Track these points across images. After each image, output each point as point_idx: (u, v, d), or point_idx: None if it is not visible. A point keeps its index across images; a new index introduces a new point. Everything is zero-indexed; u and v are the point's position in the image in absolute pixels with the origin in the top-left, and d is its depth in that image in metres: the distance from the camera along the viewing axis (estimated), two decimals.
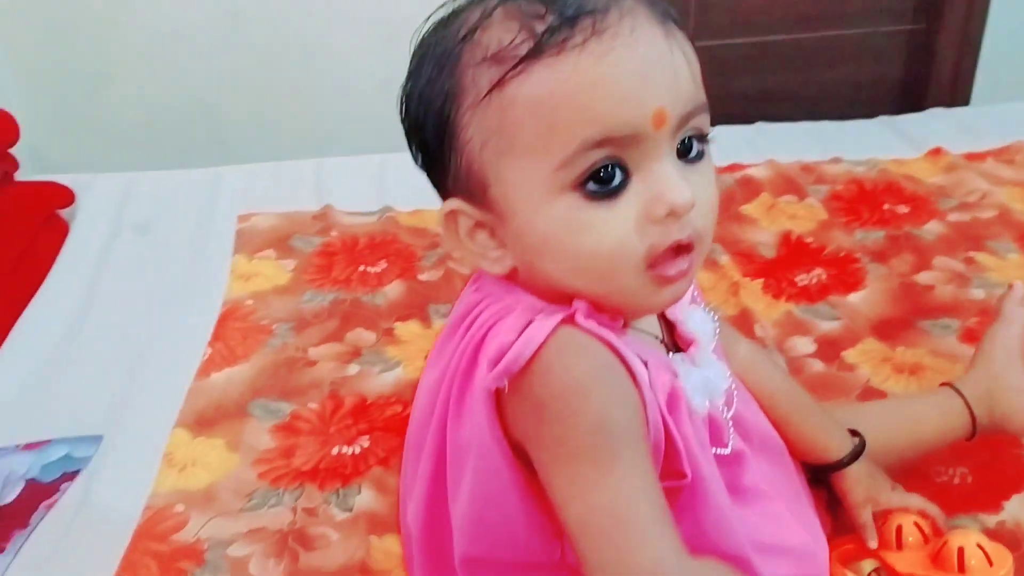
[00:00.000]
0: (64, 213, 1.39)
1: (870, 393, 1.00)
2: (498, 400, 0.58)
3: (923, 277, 1.20)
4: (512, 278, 0.61)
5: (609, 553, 0.55)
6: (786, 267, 1.24)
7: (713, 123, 0.59)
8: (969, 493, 0.86)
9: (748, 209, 1.38)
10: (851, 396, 1.00)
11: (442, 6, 0.60)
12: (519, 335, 0.56)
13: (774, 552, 0.66)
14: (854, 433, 0.79)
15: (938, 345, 1.07)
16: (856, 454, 0.77)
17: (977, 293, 1.16)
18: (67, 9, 1.88)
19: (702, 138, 0.58)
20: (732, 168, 1.48)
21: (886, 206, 1.36)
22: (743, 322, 1.12)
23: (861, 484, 0.76)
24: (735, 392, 0.71)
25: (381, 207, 1.41)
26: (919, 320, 1.12)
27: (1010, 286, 0.93)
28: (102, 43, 1.92)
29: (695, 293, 0.72)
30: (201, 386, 1.05)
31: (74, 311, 1.20)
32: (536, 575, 0.64)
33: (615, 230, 0.55)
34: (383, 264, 1.27)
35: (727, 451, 0.66)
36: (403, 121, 0.61)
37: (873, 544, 0.75)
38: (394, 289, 1.22)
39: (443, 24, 0.59)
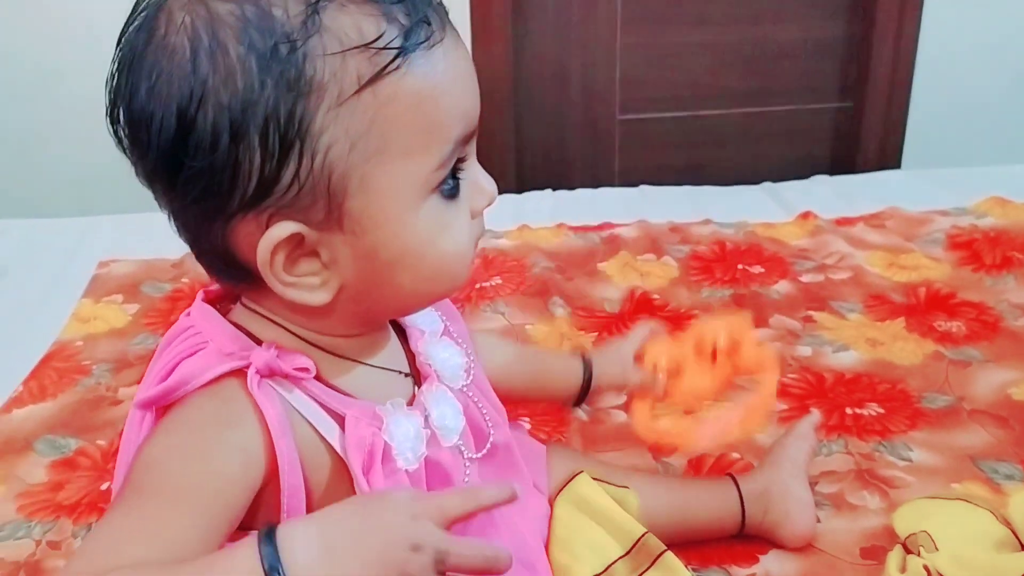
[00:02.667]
0: None
1: (658, 445, 0.98)
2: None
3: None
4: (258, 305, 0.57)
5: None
6: (624, 321, 1.23)
7: None
8: (725, 546, 0.83)
9: (604, 266, 1.37)
10: (643, 446, 0.98)
11: None
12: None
13: None
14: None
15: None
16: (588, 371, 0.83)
17: (803, 351, 1.14)
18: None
19: None
20: (602, 227, 1.49)
21: (740, 266, 1.35)
22: None
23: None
24: (490, 430, 0.67)
25: None
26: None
27: (809, 410, 0.97)
28: (34, 107, 1.98)
29: (452, 329, 0.68)
30: None
31: None
32: None
33: (463, 227, 0.56)
34: None
35: None
36: (149, 136, 0.49)
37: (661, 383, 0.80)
38: None
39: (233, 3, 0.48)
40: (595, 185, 1.84)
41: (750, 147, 2.25)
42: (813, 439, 0.89)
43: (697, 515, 0.83)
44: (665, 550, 0.75)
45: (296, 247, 0.52)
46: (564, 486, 0.79)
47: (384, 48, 0.49)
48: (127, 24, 0.51)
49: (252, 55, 0.47)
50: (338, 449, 0.55)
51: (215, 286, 0.61)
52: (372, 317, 0.60)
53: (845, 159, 2.24)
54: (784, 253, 1.39)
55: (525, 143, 2.17)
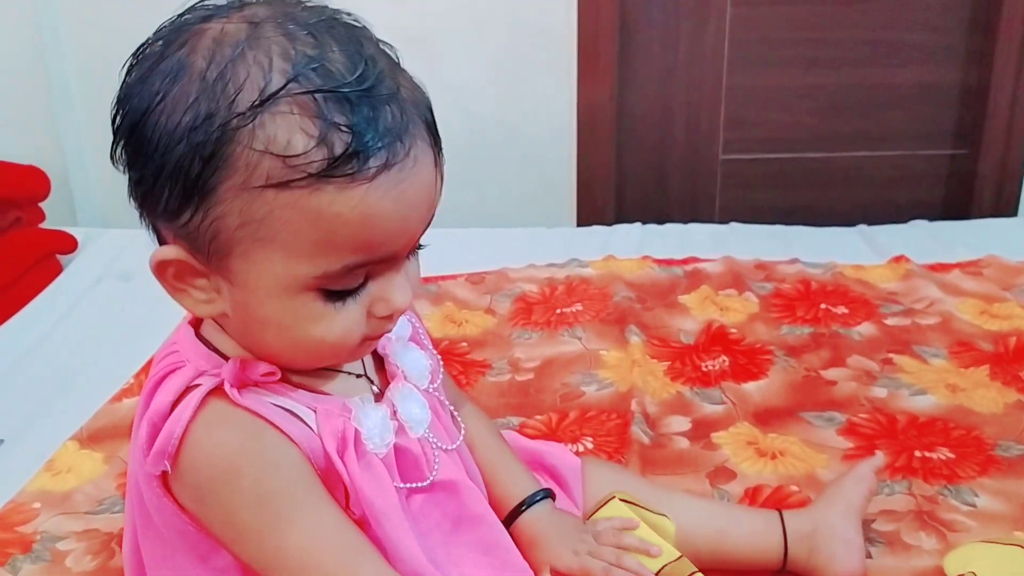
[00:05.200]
0: (65, 258, 1.56)
1: (721, 472, 0.99)
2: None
3: (831, 373, 1.18)
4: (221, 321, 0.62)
5: None
6: (697, 352, 1.24)
7: None
8: None
9: (685, 299, 1.39)
10: (701, 472, 0.99)
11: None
12: (176, 398, 0.59)
13: None
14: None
15: (813, 435, 1.05)
16: (533, 501, 0.76)
17: (878, 392, 1.13)
18: None
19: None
20: (687, 261, 1.51)
21: (823, 306, 1.35)
22: (625, 397, 1.13)
23: (543, 543, 0.74)
24: (462, 425, 0.73)
25: None
26: (805, 411, 1.10)
27: (873, 452, 0.96)
28: None
29: (420, 332, 0.74)
30: (109, 408, 1.15)
31: (36, 335, 1.34)
32: None
33: (343, 323, 0.58)
34: None
35: (425, 483, 0.67)
36: (124, 118, 0.56)
37: None
38: None
39: (201, 39, 0.54)
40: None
41: (858, 191, 2.22)
42: (873, 482, 0.86)
43: (736, 544, 0.83)
44: (695, 571, 0.76)
45: (189, 270, 0.58)
46: (597, 509, 0.80)
47: (298, 165, 0.52)
48: (142, 45, 0.57)
49: (192, 110, 0.53)
50: (303, 442, 0.60)
51: None
52: (265, 357, 0.61)
53: (959, 206, 2.18)
54: (870, 295, 1.38)
55: (626, 179, 2.20)
